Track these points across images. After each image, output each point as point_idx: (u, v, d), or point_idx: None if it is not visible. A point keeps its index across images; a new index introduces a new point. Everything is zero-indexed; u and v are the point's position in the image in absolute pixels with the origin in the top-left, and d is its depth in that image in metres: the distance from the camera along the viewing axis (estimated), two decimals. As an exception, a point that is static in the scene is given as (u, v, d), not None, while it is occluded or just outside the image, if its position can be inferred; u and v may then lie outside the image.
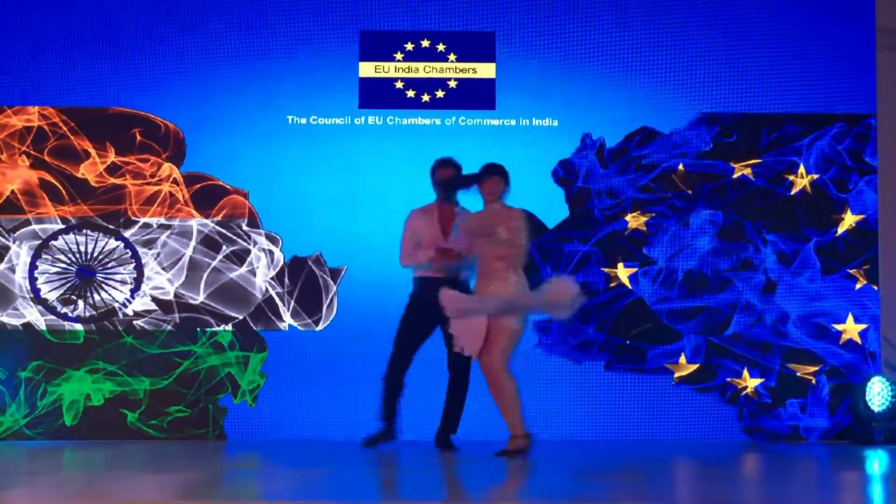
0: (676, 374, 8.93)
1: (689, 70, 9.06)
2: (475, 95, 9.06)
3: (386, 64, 9.08)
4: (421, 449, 8.11)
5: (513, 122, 9.06)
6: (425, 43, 9.08)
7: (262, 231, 9.01)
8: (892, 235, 9.00)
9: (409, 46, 9.07)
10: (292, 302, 8.95)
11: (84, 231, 8.98)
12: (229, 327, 8.94)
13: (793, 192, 9.02)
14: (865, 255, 8.98)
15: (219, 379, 8.91)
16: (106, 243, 8.98)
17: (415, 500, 5.83)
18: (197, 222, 9.00)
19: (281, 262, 8.98)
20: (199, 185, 9.02)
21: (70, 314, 8.94)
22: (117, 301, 8.96)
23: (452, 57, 9.07)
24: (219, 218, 9.00)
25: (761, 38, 9.07)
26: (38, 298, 8.95)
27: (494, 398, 7.63)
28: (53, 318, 8.94)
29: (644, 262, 8.98)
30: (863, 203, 9.00)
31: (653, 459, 7.66)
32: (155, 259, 8.97)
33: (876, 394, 8.62)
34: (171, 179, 9.01)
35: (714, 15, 9.08)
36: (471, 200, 7.97)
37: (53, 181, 8.99)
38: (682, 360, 8.93)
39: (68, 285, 8.96)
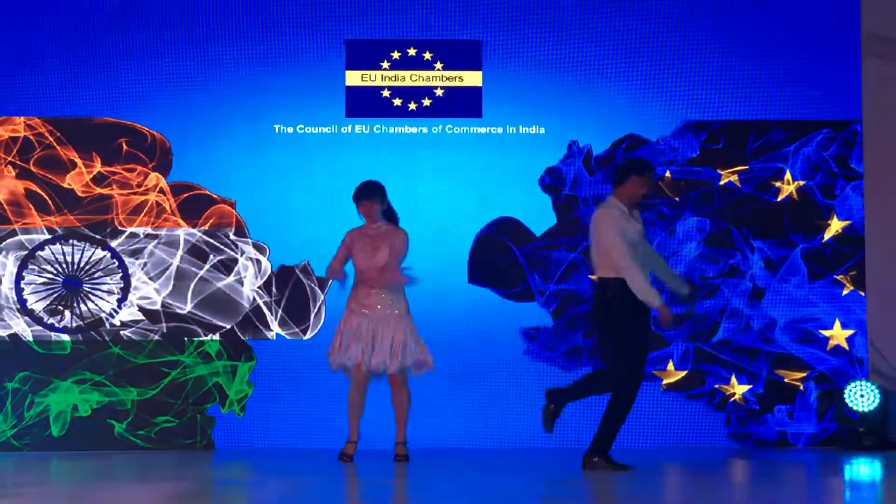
0: (664, 381, 8.94)
1: (676, 77, 9.08)
2: (462, 103, 9.06)
3: (372, 72, 9.08)
4: (412, 456, 8.09)
5: (500, 130, 9.07)
6: (412, 51, 9.08)
7: (250, 240, 9.00)
8: (879, 241, 9.02)
9: (396, 55, 9.08)
10: (280, 311, 8.94)
11: (71, 241, 8.96)
12: (217, 337, 8.93)
13: (779, 199, 9.04)
14: (852, 260, 9.00)
15: (206, 388, 8.90)
16: (93, 253, 8.96)
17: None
18: (184, 232, 8.98)
19: (268, 272, 8.97)
20: (186, 195, 9.01)
21: (57, 325, 8.92)
22: (104, 311, 8.93)
23: (439, 65, 9.08)
24: (206, 227, 8.99)
25: (747, 44, 9.09)
26: (24, 309, 8.92)
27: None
28: (40, 328, 8.91)
29: (631, 269, 8.97)
30: (849, 209, 9.03)
31: (641, 466, 7.65)
32: (142, 269, 8.96)
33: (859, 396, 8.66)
34: (157, 189, 9.00)
35: (700, 22, 9.09)
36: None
37: (39, 191, 8.97)
38: (670, 366, 8.94)
39: (55, 296, 8.94)
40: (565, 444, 8.80)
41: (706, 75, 9.08)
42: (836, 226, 9.01)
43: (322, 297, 8.96)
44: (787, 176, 9.04)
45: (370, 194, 7.89)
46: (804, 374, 8.94)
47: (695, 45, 9.09)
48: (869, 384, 8.67)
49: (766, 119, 9.06)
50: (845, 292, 8.99)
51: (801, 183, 9.05)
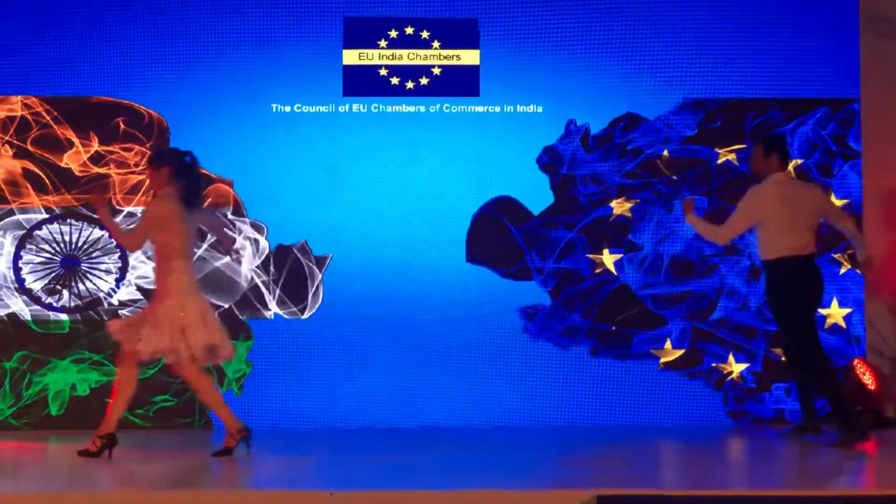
0: (662, 360, 8.95)
1: (674, 55, 9.06)
2: (459, 82, 9.04)
3: (370, 51, 9.06)
4: (411, 435, 8.11)
5: (497, 109, 9.05)
6: (409, 30, 9.06)
7: (247, 219, 8.99)
8: (877, 219, 9.02)
9: (393, 33, 9.05)
10: (278, 290, 8.94)
11: (68, 220, 8.95)
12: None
13: (777, 177, 9.02)
14: (850, 239, 8.98)
15: (205, 368, 8.89)
16: (90, 233, 8.95)
17: (399, 489, 5.84)
18: (182, 211, 8.96)
19: (266, 251, 8.97)
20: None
21: (55, 304, 8.92)
22: (102, 290, 8.93)
23: (436, 44, 9.05)
24: (203, 207, 8.97)
25: (745, 22, 9.06)
26: (22, 288, 8.92)
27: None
28: (38, 308, 8.91)
29: (629, 248, 8.99)
30: (847, 187, 9.02)
31: (638, 445, 7.68)
32: (140, 248, 8.94)
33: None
34: (155, 168, 8.97)
35: (699, 1, 9.06)
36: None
37: (37, 171, 8.95)
38: (668, 345, 8.94)
39: (53, 275, 8.94)
40: (562, 423, 8.83)
41: (704, 54, 9.06)
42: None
43: (320, 277, 8.96)
44: (785, 154, 9.03)
45: (148, 161, 7.45)
46: (801, 353, 8.94)
47: (693, 23, 9.06)
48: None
49: (764, 97, 9.05)
50: (843, 271, 8.99)
51: (799, 162, 9.04)
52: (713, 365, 8.96)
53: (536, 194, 9.00)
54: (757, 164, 7.84)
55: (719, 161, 9.03)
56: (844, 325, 8.95)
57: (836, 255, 8.98)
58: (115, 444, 7.18)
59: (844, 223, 7.86)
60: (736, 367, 8.92)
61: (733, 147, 9.02)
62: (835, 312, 8.96)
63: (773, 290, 7.70)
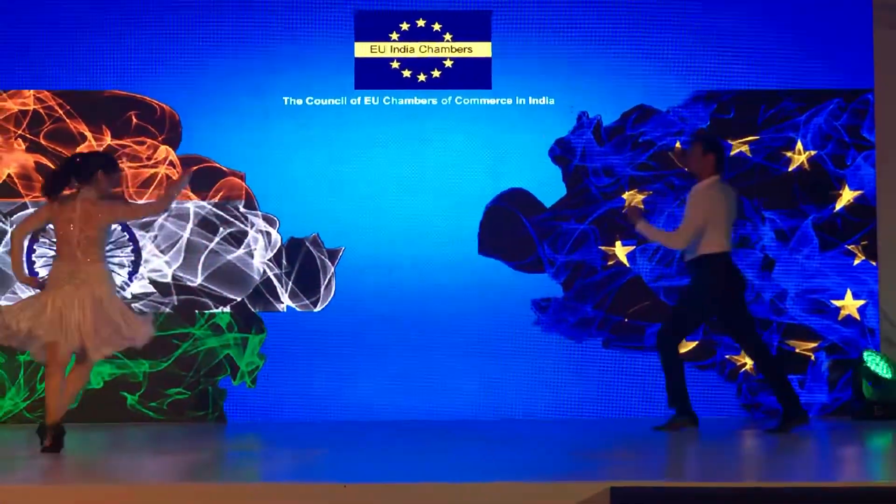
0: (675, 352, 8.93)
1: (686, 47, 9.04)
2: (471, 75, 9.04)
3: (381, 44, 9.05)
4: (424, 427, 8.11)
5: (509, 101, 9.04)
6: (421, 22, 9.05)
7: (260, 212, 9.00)
8: (890, 211, 8.99)
9: (405, 26, 9.05)
10: (290, 283, 8.95)
11: (81, 214, 8.95)
12: (227, 309, 8.94)
13: (790, 169, 9.01)
14: (864, 230, 8.97)
15: (218, 361, 8.92)
16: (103, 226, 8.94)
17: (411, 481, 5.84)
18: (194, 204, 8.98)
19: (278, 244, 8.98)
20: (195, 168, 9.00)
21: (68, 298, 8.92)
22: (115, 284, 8.93)
23: (448, 36, 9.05)
24: (216, 200, 8.99)
25: (758, 13, 9.04)
26: (36, 282, 8.92)
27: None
28: (52, 301, 8.92)
29: (642, 240, 8.97)
30: (860, 179, 8.99)
31: (651, 437, 7.67)
32: (152, 242, 8.97)
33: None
34: (167, 162, 9.00)
35: (711, -9, 9.07)
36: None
37: (50, 165, 8.97)
38: (681, 337, 8.92)
39: (66, 269, 8.94)
40: (575, 416, 8.83)
41: (717, 45, 9.04)
42: (847, 196, 8.99)
43: (332, 270, 8.96)
44: (799, 146, 9.01)
45: None
46: (815, 345, 8.93)
47: (705, 14, 9.04)
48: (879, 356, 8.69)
49: (777, 89, 9.03)
50: (857, 262, 8.97)
51: (813, 153, 9.02)
52: (726, 357, 8.94)
53: (548, 186, 9.00)
54: (693, 162, 7.98)
55: (732, 153, 9.00)
56: (858, 317, 8.93)
57: (849, 247, 8.96)
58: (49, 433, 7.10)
59: None
60: (749, 360, 8.89)
61: (746, 139, 9.00)
62: (848, 304, 8.94)
63: (708, 285, 7.78)
